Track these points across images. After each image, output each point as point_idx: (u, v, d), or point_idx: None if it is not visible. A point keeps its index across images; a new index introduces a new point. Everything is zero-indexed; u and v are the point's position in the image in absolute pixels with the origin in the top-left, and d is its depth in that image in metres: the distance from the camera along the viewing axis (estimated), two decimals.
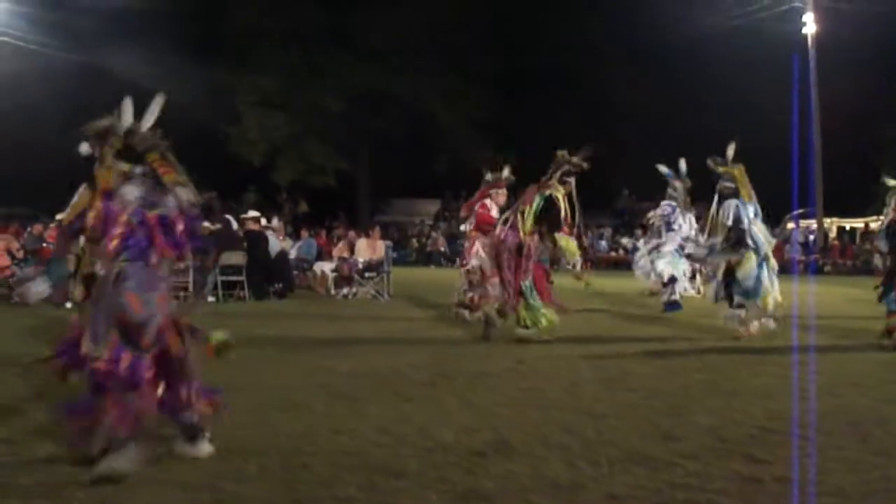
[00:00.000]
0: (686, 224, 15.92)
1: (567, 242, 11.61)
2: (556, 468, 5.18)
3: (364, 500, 4.60)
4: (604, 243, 36.14)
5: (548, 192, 11.06)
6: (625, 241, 35.03)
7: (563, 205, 11.13)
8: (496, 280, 11.42)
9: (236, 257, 17.42)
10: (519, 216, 11.06)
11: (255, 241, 18.15)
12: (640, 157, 37.87)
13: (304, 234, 24.79)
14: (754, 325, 11.27)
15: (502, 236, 11.08)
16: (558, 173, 11.11)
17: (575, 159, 11.19)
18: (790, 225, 15.41)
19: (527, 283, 11.04)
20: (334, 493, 4.70)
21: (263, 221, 20.37)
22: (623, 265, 32.58)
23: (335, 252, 20.59)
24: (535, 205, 11.04)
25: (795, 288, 12.32)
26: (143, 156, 5.27)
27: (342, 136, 39.63)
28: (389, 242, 22.21)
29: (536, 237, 11.24)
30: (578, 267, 13.04)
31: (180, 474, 4.99)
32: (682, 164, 15.81)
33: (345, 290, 18.53)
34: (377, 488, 4.78)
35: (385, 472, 5.05)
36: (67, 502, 4.57)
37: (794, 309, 12.15)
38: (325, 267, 19.46)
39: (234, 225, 18.70)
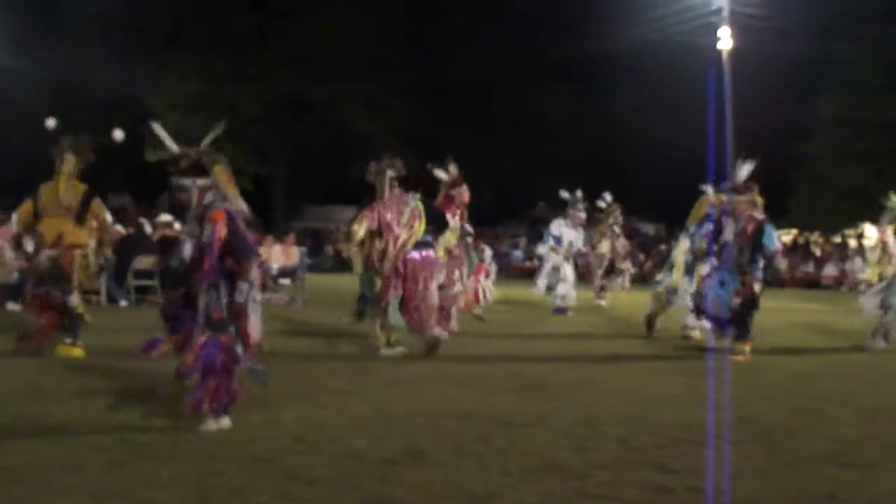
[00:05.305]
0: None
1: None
2: (469, 477, 5.19)
3: None
4: (519, 252, 36.31)
5: None
6: (539, 250, 35.12)
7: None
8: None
9: (149, 261, 17.13)
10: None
11: (169, 246, 17.83)
12: (559, 168, 38.49)
13: None
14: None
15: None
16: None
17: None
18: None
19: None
20: (247, 500, 4.66)
21: (177, 226, 20.06)
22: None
23: None
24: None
25: None
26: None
27: (260, 139, 39.30)
28: (304, 248, 22.09)
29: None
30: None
31: (94, 481, 4.91)
32: (579, 194, 17.31)
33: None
34: (291, 496, 4.75)
35: (299, 480, 5.02)
36: None
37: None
38: None
39: (149, 229, 18.45)
